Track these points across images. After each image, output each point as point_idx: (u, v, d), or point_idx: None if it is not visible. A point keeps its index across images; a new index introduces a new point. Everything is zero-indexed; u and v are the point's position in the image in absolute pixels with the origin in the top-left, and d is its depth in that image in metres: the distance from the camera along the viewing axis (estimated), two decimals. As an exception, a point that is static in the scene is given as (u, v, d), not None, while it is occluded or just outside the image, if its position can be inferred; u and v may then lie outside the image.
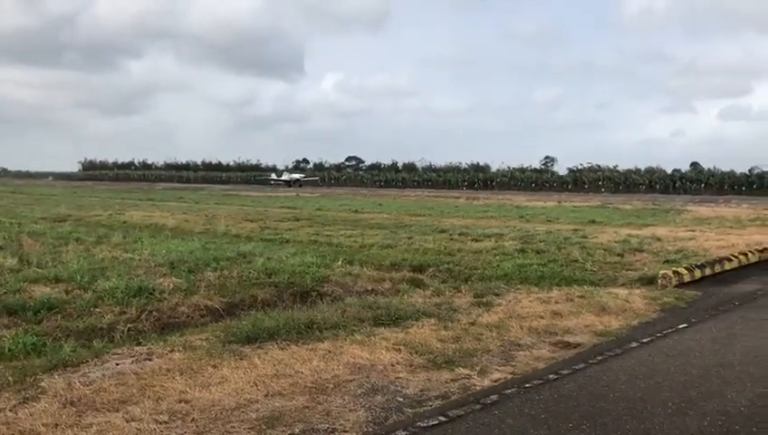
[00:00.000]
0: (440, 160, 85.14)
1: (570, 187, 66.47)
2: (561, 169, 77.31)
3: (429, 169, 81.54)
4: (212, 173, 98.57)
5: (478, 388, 4.89)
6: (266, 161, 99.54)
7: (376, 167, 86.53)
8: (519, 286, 9.72)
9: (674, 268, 9.98)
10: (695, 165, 77.77)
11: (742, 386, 4.86)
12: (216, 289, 9.50)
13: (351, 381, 5.04)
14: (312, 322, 6.94)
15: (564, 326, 6.88)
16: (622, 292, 8.77)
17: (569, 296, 8.42)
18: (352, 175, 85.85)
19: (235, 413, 4.29)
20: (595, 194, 58.48)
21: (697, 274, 10.02)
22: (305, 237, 19.85)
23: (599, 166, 72.11)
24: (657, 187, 64.52)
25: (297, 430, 4.06)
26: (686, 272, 9.75)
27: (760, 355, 5.74)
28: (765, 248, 12.65)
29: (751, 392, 4.71)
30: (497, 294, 8.83)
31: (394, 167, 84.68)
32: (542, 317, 7.31)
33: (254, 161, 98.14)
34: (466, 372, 5.29)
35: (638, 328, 6.87)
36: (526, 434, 3.95)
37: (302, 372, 5.15)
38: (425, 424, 4.13)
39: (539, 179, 69.66)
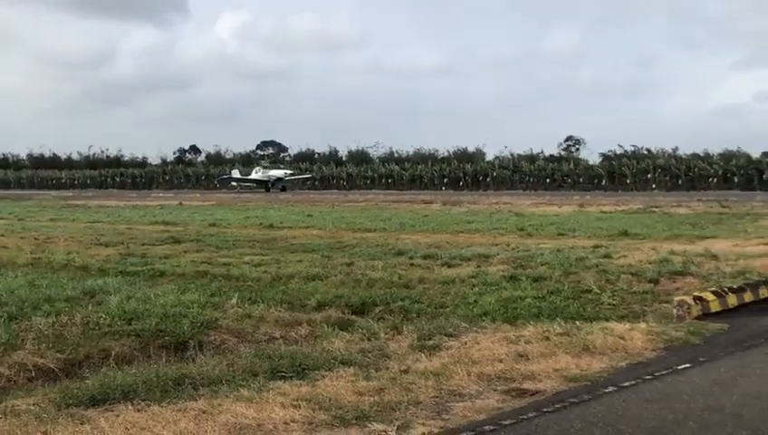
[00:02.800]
0: (406, 146, 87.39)
1: (603, 182, 69.36)
2: (591, 155, 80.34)
3: (389, 159, 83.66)
4: (46, 172, 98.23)
5: (393, 444, 6.04)
6: (132, 151, 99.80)
7: (306, 157, 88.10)
8: (485, 324, 10.97)
9: (696, 294, 11.42)
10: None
11: (720, 430, 6.15)
12: (50, 342, 10.47)
13: (227, 443, 6.12)
14: (183, 377, 7.99)
15: (527, 371, 8.12)
16: (620, 327, 10.11)
17: (546, 334, 9.70)
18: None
19: (71, 484, 5.32)
20: (640, 192, 61.23)
21: (732, 300, 11.49)
22: (190, 268, 20.78)
23: (648, 150, 75.24)
24: (736, 179, 67.51)
25: (150, 499, 5.13)
26: (713, 298, 11.20)
27: (762, 397, 7.09)
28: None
29: (726, 436, 6.01)
30: (451, 335, 10.05)
31: (334, 157, 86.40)
32: (500, 361, 8.55)
33: (112, 152, 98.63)
34: (382, 428, 6.43)
35: (624, 370, 8.17)
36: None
37: (163, 436, 6.20)
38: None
39: (557, 172, 72.41)
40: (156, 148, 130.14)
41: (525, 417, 6.63)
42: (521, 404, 7.09)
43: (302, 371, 8.36)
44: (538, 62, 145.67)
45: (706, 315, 10.94)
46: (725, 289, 11.85)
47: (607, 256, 20.01)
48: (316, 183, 79.08)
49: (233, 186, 78.83)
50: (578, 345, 9.18)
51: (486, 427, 6.40)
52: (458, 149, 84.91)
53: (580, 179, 71.15)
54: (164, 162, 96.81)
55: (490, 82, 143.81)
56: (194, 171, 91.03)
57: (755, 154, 71.48)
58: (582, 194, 57.22)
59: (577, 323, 10.86)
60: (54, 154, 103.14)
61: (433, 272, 18.98)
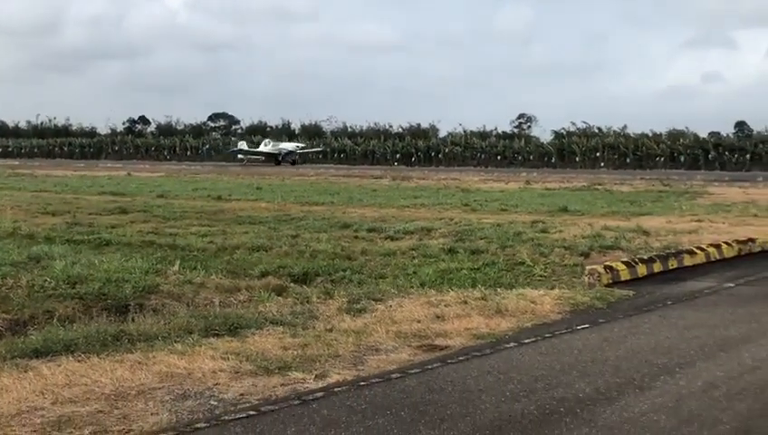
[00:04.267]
0: (360, 120, 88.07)
1: (553, 159, 70.85)
2: (543, 132, 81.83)
3: (343, 133, 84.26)
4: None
5: (307, 389, 6.81)
6: (81, 121, 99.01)
7: (258, 129, 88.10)
8: (412, 290, 11.80)
9: (607, 263, 12.37)
10: (741, 126, 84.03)
11: (597, 377, 7.06)
12: (-4, 303, 11.02)
13: (160, 388, 6.85)
14: (122, 333, 8.69)
15: (441, 330, 8.97)
16: (534, 293, 11.02)
17: (465, 298, 10.55)
18: (220, 142, 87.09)
19: (16, 419, 6.01)
20: (588, 170, 62.81)
21: (641, 270, 12.47)
22: (137, 237, 21.26)
23: (598, 129, 76.78)
24: (683, 159, 69.37)
25: (87, 432, 5.83)
26: (623, 268, 12.16)
27: (642, 351, 8.03)
28: (750, 239, 15.38)
29: (602, 382, 6.92)
30: (379, 300, 10.85)
31: (286, 130, 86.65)
32: (419, 321, 9.38)
33: (60, 122, 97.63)
34: (301, 376, 7.21)
35: (528, 330, 9.06)
36: (338, 421, 5.92)
37: (101, 381, 6.91)
38: (230, 417, 6.02)
39: (508, 150, 73.71)
40: (105, 118, 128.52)
41: (430, 367, 7.48)
42: (429, 357, 7.93)
43: (235, 329, 9.09)
44: (490, 40, 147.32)
45: (616, 283, 11.88)
46: (636, 260, 12.84)
47: (544, 230, 20.89)
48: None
49: (240, 159, 76.14)
50: (492, 308, 10.05)
51: (394, 375, 7.23)
52: (412, 125, 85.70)
53: (531, 157, 72.50)
54: (113, 132, 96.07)
55: (444, 58, 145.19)
56: (143, 142, 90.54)
57: (703, 134, 73.66)
58: (530, 171, 58.49)
59: (498, 289, 11.72)
60: (2, 122, 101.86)
61: (376, 244, 19.69)
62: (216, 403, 6.51)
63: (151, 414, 6.24)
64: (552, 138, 77.46)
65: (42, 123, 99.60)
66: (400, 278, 17.01)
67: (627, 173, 56.21)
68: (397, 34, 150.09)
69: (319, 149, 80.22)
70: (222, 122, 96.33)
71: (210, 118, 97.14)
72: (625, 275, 12.17)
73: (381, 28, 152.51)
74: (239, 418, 6.04)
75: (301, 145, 77.73)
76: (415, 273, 17.17)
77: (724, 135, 75.29)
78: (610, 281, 11.87)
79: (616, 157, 70.24)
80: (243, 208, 28.06)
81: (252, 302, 12.16)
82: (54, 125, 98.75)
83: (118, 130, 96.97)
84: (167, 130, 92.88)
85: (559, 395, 6.52)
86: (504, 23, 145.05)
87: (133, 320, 10.25)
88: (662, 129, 74.88)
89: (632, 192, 36.76)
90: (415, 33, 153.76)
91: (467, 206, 28.72)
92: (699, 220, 23.12)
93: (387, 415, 6.05)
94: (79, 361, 7.59)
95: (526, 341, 8.52)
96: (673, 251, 13.98)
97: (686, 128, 74.22)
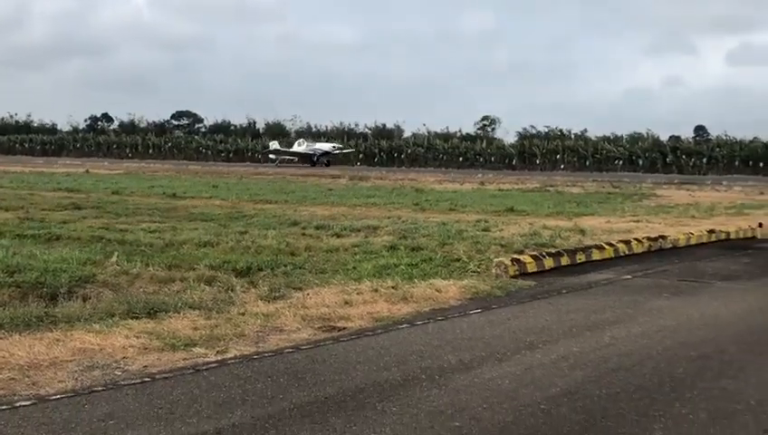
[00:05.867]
0: (324, 120, 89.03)
1: (514, 162, 72.16)
2: (507, 134, 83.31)
3: (307, 133, 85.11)
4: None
5: (205, 362, 7.62)
6: (42, 117, 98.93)
7: (222, 128, 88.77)
8: (334, 281, 12.63)
9: (514, 256, 13.29)
10: (699, 130, 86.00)
11: (466, 351, 7.95)
12: (-66, 290, 11.70)
13: (71, 361, 7.63)
14: (47, 315, 9.44)
15: (345, 314, 9.81)
16: (442, 282, 11.90)
17: (378, 287, 11.40)
18: (183, 141, 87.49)
19: (-67, 386, 6.77)
20: (547, 172, 64.17)
21: (548, 263, 13.40)
22: (87, 233, 21.85)
23: (560, 131, 78.26)
24: (641, 162, 70.93)
25: (-3, 395, 6.62)
26: (530, 260, 13.07)
27: (518, 331, 8.96)
28: (661, 236, 16.40)
29: (469, 355, 7.81)
30: (299, 288, 11.66)
31: (251, 129, 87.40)
32: (327, 306, 10.21)
33: (21, 118, 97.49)
34: (204, 351, 8.02)
35: (424, 314, 9.95)
36: (221, 385, 6.76)
37: (18, 355, 7.67)
38: (125, 383, 6.82)
39: (470, 151, 74.93)
40: (67, 114, 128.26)
41: (323, 344, 8.33)
42: (326, 336, 8.77)
43: (154, 312, 9.86)
44: (455, 42, 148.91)
45: (523, 275, 12.80)
46: (544, 253, 13.76)
47: (485, 229, 21.73)
48: (231, 155, 79.78)
49: (272, 159, 74.87)
50: (399, 296, 10.91)
51: (288, 350, 8.07)
52: (378, 126, 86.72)
53: (492, 159, 73.78)
54: (75, 130, 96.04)
55: (410, 60, 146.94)
56: (105, 140, 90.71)
57: (664, 137, 75.48)
58: (489, 173, 59.62)
59: (415, 280, 12.57)
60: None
61: (321, 241, 20.46)
62: (120, 373, 7.30)
63: (58, 382, 7.01)
64: (515, 140, 78.89)
65: (2, 119, 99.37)
66: (340, 273, 17.84)
67: (583, 175, 57.52)
68: (362, 35, 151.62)
69: (352, 149, 79.36)
70: (185, 121, 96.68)
71: (173, 116, 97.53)
72: (532, 267, 13.08)
73: (347, 29, 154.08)
74: (134, 383, 6.85)
75: (337, 145, 76.39)
76: (355, 268, 17.86)
77: (684, 139, 77.17)
78: (517, 272, 12.77)
79: (576, 160, 71.68)
80: (196, 206, 28.69)
81: (183, 291, 12.95)
82: (16, 121, 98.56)
83: (80, 128, 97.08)
84: (129, 128, 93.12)
85: (425, 365, 7.39)
86: (469, 25, 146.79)
87: (61, 305, 11.00)
88: (624, 132, 76.78)
89: (581, 194, 37.85)
90: (380, 34, 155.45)
91: (417, 205, 29.56)
92: (637, 220, 24.13)
93: (266, 381, 6.89)
94: (1, 338, 8.33)
95: (419, 323, 9.39)
96: (583, 247, 14.94)
97: (648, 130, 76.05)
